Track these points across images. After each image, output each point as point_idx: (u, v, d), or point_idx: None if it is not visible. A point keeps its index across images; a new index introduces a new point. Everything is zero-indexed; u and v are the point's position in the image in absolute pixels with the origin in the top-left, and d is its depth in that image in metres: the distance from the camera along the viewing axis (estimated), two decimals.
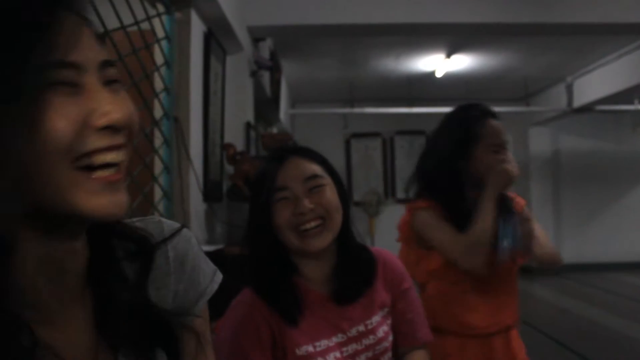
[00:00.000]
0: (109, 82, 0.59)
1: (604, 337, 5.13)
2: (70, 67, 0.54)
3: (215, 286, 0.75)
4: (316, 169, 1.25)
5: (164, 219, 0.73)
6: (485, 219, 1.75)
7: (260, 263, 1.26)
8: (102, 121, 0.55)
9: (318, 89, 8.06)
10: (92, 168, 0.55)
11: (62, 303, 0.59)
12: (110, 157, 0.56)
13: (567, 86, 7.37)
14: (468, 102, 1.95)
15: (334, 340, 1.21)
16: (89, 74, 0.55)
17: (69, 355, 0.58)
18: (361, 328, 1.23)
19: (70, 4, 0.56)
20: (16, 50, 0.50)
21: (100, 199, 0.55)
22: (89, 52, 0.57)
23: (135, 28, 2.11)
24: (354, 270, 1.27)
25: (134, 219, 0.70)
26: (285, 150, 1.30)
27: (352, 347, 1.22)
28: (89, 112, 0.54)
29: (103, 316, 0.63)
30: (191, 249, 0.72)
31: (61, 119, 0.52)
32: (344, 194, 1.31)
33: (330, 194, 1.24)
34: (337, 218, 1.24)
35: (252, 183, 1.32)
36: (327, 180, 1.26)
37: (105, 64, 0.59)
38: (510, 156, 1.90)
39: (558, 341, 4.95)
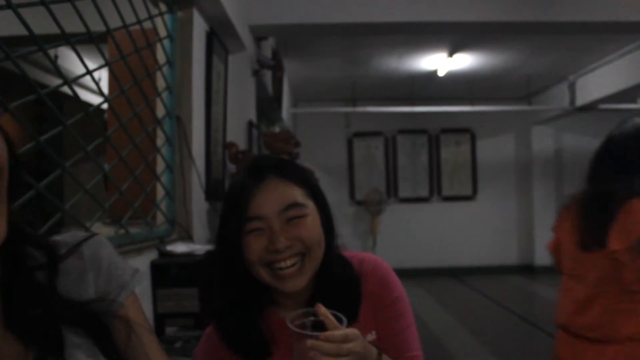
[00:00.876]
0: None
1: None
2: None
3: (136, 282, 0.88)
4: (297, 194, 1.07)
5: (80, 232, 0.87)
6: None
7: (225, 301, 1.11)
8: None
9: (320, 87, 8.06)
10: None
11: None
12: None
13: (570, 85, 7.36)
14: None
15: None
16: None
17: None
18: None
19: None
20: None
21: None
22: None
23: (137, 27, 2.11)
24: (336, 301, 1.06)
25: (56, 236, 0.83)
26: (263, 166, 1.10)
27: None
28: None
29: (11, 317, 0.72)
30: (104, 250, 0.85)
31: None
32: (329, 217, 1.14)
33: (312, 225, 1.07)
34: (318, 253, 1.08)
35: (223, 202, 1.12)
36: (309, 208, 1.08)
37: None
38: None
39: None
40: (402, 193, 8.94)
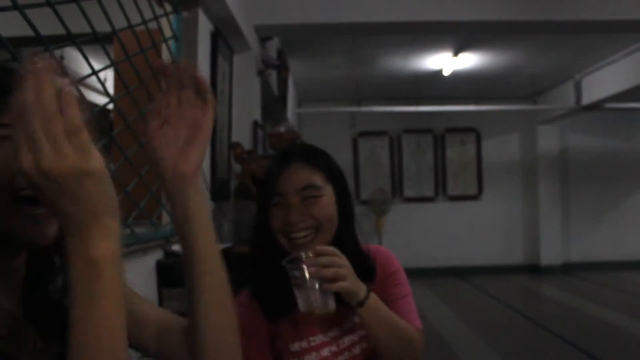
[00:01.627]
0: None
1: (612, 335, 5.11)
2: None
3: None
4: (316, 177, 1.26)
5: None
6: None
7: (259, 263, 1.29)
8: None
9: (325, 87, 8.06)
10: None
11: None
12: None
13: (576, 84, 7.33)
14: None
15: (330, 334, 1.24)
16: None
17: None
18: (356, 319, 1.26)
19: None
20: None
21: None
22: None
23: (143, 27, 2.11)
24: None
25: None
26: (291, 152, 1.31)
27: (348, 339, 1.26)
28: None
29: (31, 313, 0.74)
30: None
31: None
32: (347, 201, 1.31)
33: (325, 205, 1.25)
34: (330, 228, 1.25)
35: (258, 183, 1.35)
36: (325, 190, 1.26)
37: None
38: None
39: (565, 339, 4.93)
40: (407, 193, 8.93)
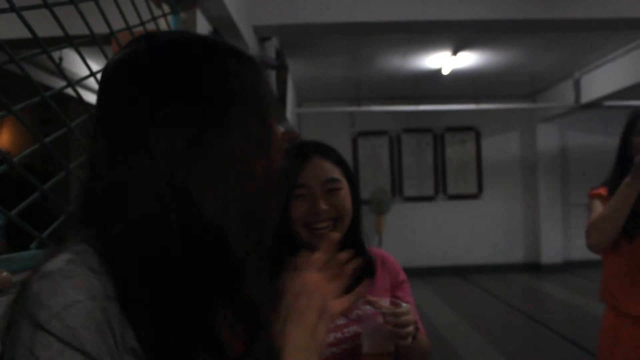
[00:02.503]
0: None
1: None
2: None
3: None
4: (335, 171, 1.33)
5: None
6: (610, 204, 1.97)
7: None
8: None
9: (325, 87, 8.06)
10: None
11: None
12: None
13: (575, 82, 7.34)
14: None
15: (336, 322, 1.28)
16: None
17: None
18: (360, 312, 1.30)
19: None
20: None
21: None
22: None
23: (141, 28, 2.11)
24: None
25: None
26: (307, 147, 1.36)
27: (352, 329, 1.30)
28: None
29: None
30: None
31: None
32: (358, 195, 1.38)
33: (345, 197, 1.31)
34: (347, 221, 1.32)
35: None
36: (344, 184, 1.33)
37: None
38: None
39: (566, 337, 4.93)
40: (408, 192, 8.93)
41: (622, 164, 2.10)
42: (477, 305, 6.84)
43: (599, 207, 2.09)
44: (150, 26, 2.22)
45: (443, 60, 6.63)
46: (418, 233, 8.81)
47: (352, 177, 1.38)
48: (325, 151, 1.36)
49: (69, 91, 1.58)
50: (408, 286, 1.46)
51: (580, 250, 8.72)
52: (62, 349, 0.59)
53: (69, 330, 0.60)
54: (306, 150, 1.35)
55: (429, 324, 5.62)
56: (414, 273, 7.21)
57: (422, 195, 8.95)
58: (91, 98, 3.38)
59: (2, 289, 1.12)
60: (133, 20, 2.04)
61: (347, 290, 1.23)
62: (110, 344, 0.63)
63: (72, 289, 0.63)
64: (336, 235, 1.15)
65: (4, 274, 1.13)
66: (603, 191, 2.15)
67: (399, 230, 8.70)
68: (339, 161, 1.36)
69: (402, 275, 1.46)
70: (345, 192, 1.32)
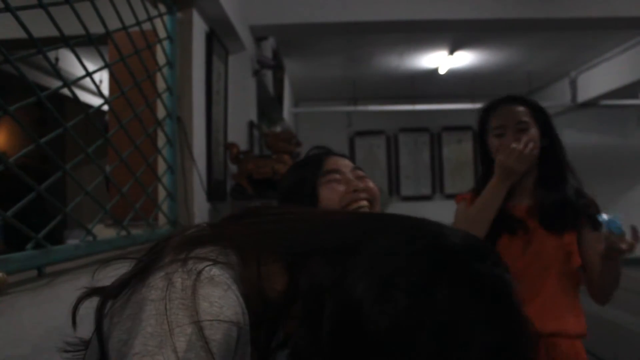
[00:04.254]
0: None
1: (613, 332, 5.12)
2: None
3: None
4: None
5: None
6: (477, 204, 1.90)
7: None
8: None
9: (321, 87, 8.06)
10: None
11: None
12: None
13: (571, 81, 7.35)
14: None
15: None
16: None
17: None
18: None
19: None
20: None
21: None
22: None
23: (137, 28, 2.11)
24: None
25: None
26: (324, 149, 1.46)
27: None
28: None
29: None
30: None
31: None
32: None
33: (373, 184, 1.37)
34: (377, 207, 1.37)
35: (294, 169, 1.44)
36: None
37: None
38: (523, 138, 1.90)
39: None
40: (405, 191, 8.94)
41: (486, 166, 2.04)
42: None
43: (464, 211, 2.02)
44: (147, 26, 2.22)
45: (440, 60, 6.63)
46: None
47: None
48: (338, 154, 1.43)
49: (66, 91, 1.58)
50: None
51: None
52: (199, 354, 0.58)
53: (205, 341, 0.59)
54: (324, 149, 1.44)
55: None
56: None
57: (419, 194, 8.95)
58: (85, 97, 3.41)
59: None
60: (129, 20, 2.04)
61: None
62: None
63: (224, 300, 0.63)
64: None
65: (0, 274, 1.12)
66: (468, 196, 2.09)
67: None
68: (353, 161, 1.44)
69: None
70: (371, 181, 1.37)
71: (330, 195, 1.28)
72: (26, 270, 1.36)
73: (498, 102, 2.00)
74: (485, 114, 2.02)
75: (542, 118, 2.01)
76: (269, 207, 0.88)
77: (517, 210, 1.92)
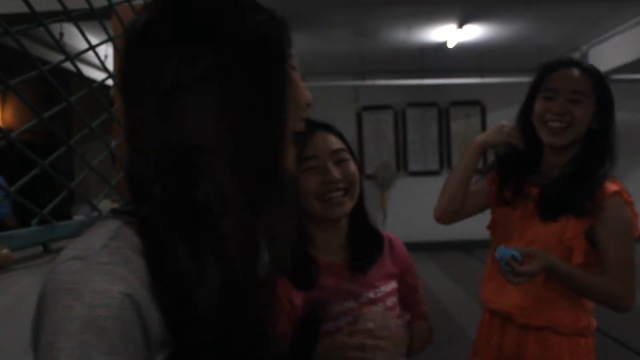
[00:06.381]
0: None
1: (621, 319, 5.11)
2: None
3: None
4: (340, 143, 1.33)
5: None
6: (454, 167, 1.92)
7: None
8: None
9: (328, 61, 8.00)
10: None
11: None
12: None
13: (582, 55, 7.25)
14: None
15: (346, 305, 1.28)
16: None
17: None
18: (371, 295, 1.31)
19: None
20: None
21: None
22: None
23: (141, 1, 2.08)
24: (366, 238, 1.37)
25: None
26: (311, 124, 1.33)
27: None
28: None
29: None
30: None
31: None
32: (361, 171, 1.39)
33: (354, 168, 1.32)
34: (356, 192, 1.32)
35: None
36: (349, 155, 1.33)
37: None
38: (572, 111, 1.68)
39: None
40: (412, 166, 8.91)
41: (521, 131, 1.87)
42: (481, 279, 6.85)
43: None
44: None
45: (448, 33, 6.55)
46: (423, 207, 8.76)
47: (353, 154, 1.38)
48: (327, 126, 1.36)
49: (70, 66, 1.56)
50: (414, 268, 1.48)
51: None
52: (88, 340, 0.57)
53: (98, 321, 0.58)
54: (310, 125, 1.31)
55: (433, 299, 5.64)
56: (418, 247, 7.23)
57: (427, 169, 8.92)
58: (91, 73, 3.38)
59: (3, 266, 1.12)
60: None
61: (362, 266, 1.32)
62: (136, 337, 0.61)
63: (106, 276, 0.61)
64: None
65: (5, 250, 1.12)
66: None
67: (403, 205, 8.68)
68: (341, 136, 1.36)
69: (410, 259, 1.48)
70: (353, 163, 1.33)
71: (307, 184, 1.26)
72: (32, 246, 1.36)
73: (560, 63, 1.79)
74: (542, 72, 1.83)
75: (603, 97, 1.73)
76: None
77: (530, 186, 1.75)
